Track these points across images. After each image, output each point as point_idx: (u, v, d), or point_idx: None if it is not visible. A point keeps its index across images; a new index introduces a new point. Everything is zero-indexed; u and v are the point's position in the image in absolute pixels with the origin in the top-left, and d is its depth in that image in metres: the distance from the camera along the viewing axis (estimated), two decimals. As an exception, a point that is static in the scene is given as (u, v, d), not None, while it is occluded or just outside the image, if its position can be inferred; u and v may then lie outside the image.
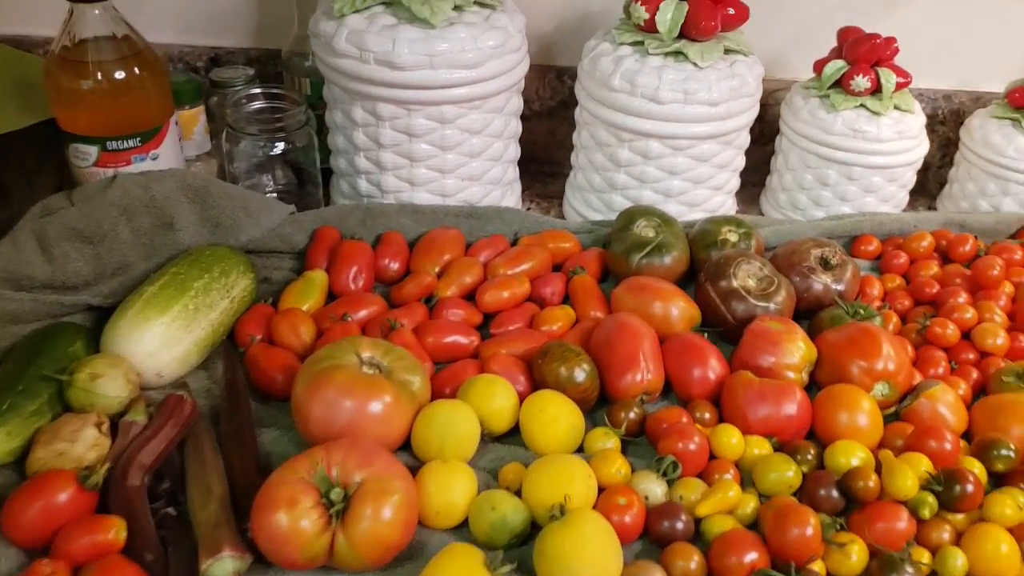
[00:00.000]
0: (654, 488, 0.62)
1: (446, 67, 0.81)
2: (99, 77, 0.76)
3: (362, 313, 0.78)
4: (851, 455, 0.63)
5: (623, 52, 0.88)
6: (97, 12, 0.75)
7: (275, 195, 0.95)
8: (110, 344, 0.67)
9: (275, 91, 0.92)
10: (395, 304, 0.81)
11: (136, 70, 0.78)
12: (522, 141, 0.98)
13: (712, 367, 0.72)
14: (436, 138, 0.86)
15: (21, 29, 1.03)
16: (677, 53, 0.86)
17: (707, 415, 0.69)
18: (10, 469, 0.60)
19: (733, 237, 0.86)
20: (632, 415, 0.68)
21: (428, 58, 0.81)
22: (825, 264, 0.84)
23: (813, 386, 0.74)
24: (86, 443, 0.59)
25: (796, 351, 0.72)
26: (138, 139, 0.80)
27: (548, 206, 1.05)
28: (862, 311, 0.78)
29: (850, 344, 0.72)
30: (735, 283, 0.79)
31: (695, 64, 0.85)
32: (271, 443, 0.65)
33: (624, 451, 0.66)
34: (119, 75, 0.77)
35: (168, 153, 0.83)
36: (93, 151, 0.79)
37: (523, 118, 0.98)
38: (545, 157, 1.12)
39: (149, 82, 0.79)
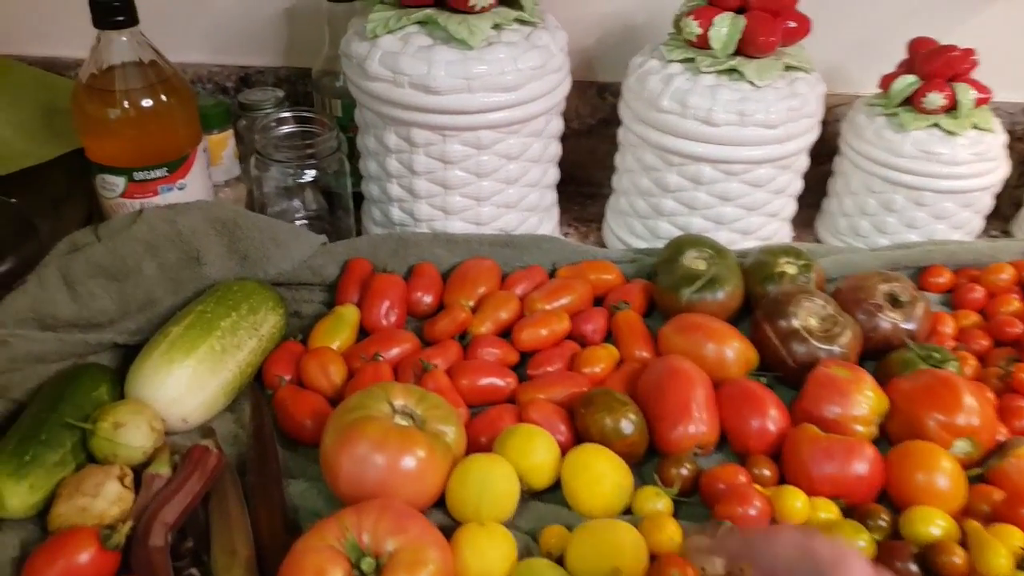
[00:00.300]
0: (712, 559, 0.56)
1: (484, 90, 0.77)
2: (126, 105, 0.73)
3: (394, 351, 0.74)
4: (931, 523, 0.57)
5: (673, 70, 0.82)
6: (124, 39, 0.73)
7: (306, 222, 0.92)
8: (134, 389, 0.64)
9: (305, 114, 0.88)
10: (428, 341, 0.77)
11: (163, 97, 0.75)
12: (561, 161, 0.93)
13: (772, 418, 0.67)
14: (472, 164, 0.82)
15: (52, 51, 1.02)
16: (732, 71, 0.80)
17: (767, 472, 0.64)
18: (33, 523, 0.58)
19: (792, 270, 0.81)
20: (684, 471, 0.63)
21: (466, 81, 0.76)
22: (894, 301, 0.77)
23: (882, 439, 0.68)
24: (108, 498, 0.56)
25: (865, 401, 0.66)
26: (165, 169, 0.77)
27: (587, 230, 1.00)
28: (936, 355, 0.72)
29: (926, 395, 0.66)
30: (796, 323, 0.73)
31: (752, 83, 0.79)
32: (299, 496, 0.61)
33: (675, 512, 0.61)
34: (146, 103, 0.74)
35: (196, 182, 0.80)
36: (120, 182, 0.76)
37: (562, 138, 0.93)
38: (584, 177, 1.07)
39: (177, 109, 0.76)
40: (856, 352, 0.73)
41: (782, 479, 0.64)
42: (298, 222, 0.92)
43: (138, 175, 0.76)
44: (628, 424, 0.63)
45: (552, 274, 0.84)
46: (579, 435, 0.65)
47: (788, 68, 0.82)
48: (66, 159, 0.82)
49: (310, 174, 0.86)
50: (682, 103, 0.80)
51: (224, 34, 1.03)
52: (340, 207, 0.92)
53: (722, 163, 0.82)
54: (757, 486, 0.62)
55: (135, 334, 0.71)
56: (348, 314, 0.77)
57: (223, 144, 0.92)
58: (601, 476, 0.61)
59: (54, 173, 0.84)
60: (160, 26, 1.00)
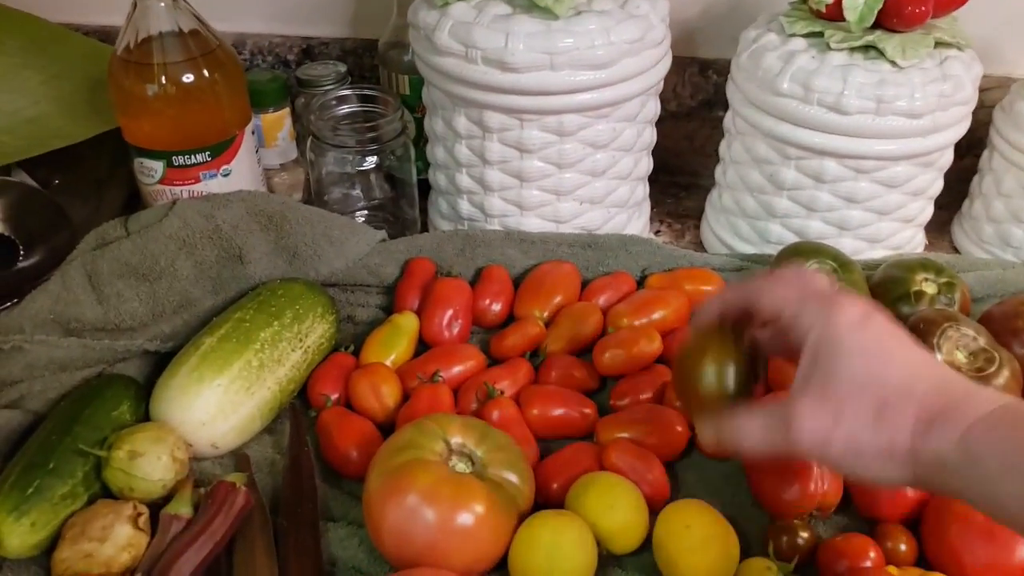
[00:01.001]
0: None
1: (570, 67, 0.66)
2: (163, 81, 0.65)
3: (456, 369, 0.64)
4: None
5: (795, 46, 0.69)
6: (163, 4, 0.64)
7: (367, 212, 0.83)
8: (158, 410, 0.57)
9: (368, 92, 0.79)
10: (494, 357, 0.67)
11: (205, 72, 0.66)
12: (654, 148, 0.82)
13: (910, 476, 0.54)
14: (553, 154, 0.71)
15: (109, 19, 0.95)
16: (869, 48, 0.67)
17: (903, 547, 0.52)
18: (38, 563, 0.50)
19: (931, 289, 0.67)
20: (800, 541, 0.51)
21: (548, 57, 0.65)
22: (1061, 331, 0.63)
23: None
24: (117, 543, 0.48)
25: (1032, 464, 0.53)
26: (208, 153, 0.69)
27: (682, 228, 0.88)
28: (1121, 404, 0.57)
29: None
30: (940, 357, 0.60)
31: (893, 63, 0.66)
32: (338, 545, 0.53)
33: (791, 593, 0.50)
34: (187, 78, 0.66)
35: (243, 168, 0.72)
36: (159, 167, 0.69)
37: (656, 121, 0.81)
38: (679, 167, 0.95)
39: (221, 86, 0.67)
40: (1016, 396, 0.60)
41: (921, 555, 0.52)
42: (358, 212, 0.83)
43: (178, 159, 0.68)
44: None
45: (641, 282, 0.73)
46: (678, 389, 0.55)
47: (938, 44, 0.68)
48: (113, 137, 0.75)
49: (371, 160, 0.77)
50: (805, 86, 0.67)
51: (284, 0, 0.94)
52: (404, 197, 0.82)
53: (851, 158, 0.68)
54: (892, 568, 0.50)
55: (169, 339, 0.64)
56: (406, 323, 0.67)
57: (279, 124, 0.84)
58: (706, 540, 0.50)
59: (97, 152, 0.77)
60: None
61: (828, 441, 0.41)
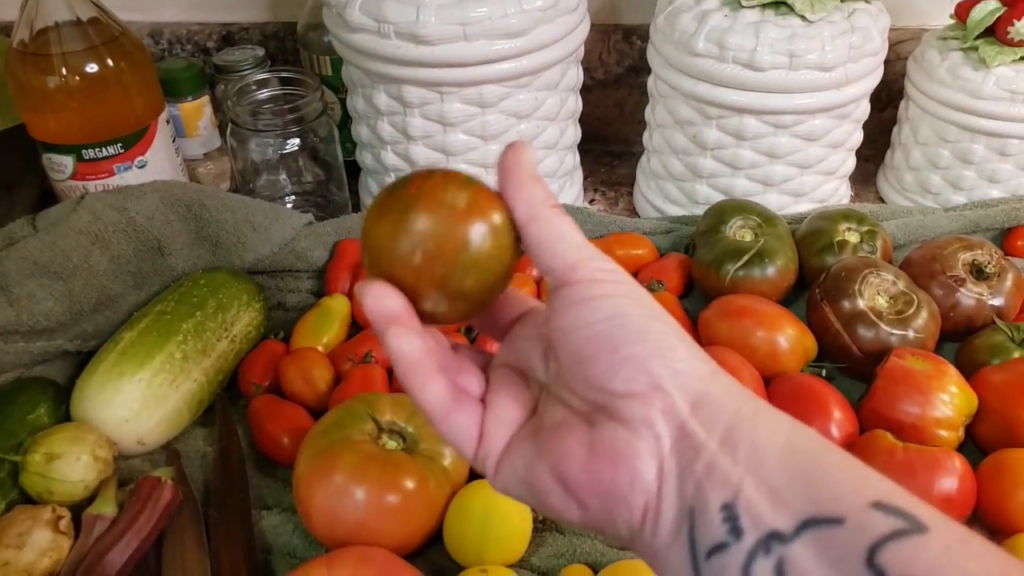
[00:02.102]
0: None
1: (484, 37, 0.65)
2: (64, 72, 0.63)
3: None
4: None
5: (708, 5, 0.69)
6: (58, -8, 0.62)
7: (296, 197, 0.82)
8: (79, 410, 0.55)
9: (287, 75, 0.77)
10: (430, 335, 0.66)
11: (109, 61, 0.64)
12: (583, 117, 0.81)
13: (836, 420, 0.55)
14: (476, 126, 0.70)
15: (11, 13, 0.91)
16: (779, 4, 0.67)
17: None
18: (-43, 574, 0.49)
19: (853, 237, 0.68)
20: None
21: (461, 27, 0.64)
22: (977, 271, 0.65)
23: (971, 445, 0.57)
24: (37, 548, 0.47)
25: (950, 400, 0.55)
26: (119, 145, 0.67)
27: (615, 196, 0.89)
28: (1034, 337, 0.60)
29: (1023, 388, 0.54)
30: (861, 303, 0.61)
31: (803, 17, 0.66)
32: (272, 532, 0.52)
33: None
34: (89, 68, 0.63)
35: (159, 158, 0.70)
36: (68, 162, 0.67)
37: (584, 90, 0.81)
38: (611, 135, 0.95)
39: (127, 74, 0.65)
40: (934, 336, 0.61)
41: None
42: (287, 198, 0.82)
43: (88, 153, 0.66)
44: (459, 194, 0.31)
45: (572, 250, 0.73)
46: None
47: (846, -3, 0.69)
48: (22, 134, 0.72)
49: (293, 143, 0.75)
50: (720, 44, 0.67)
51: (202, -14, 0.92)
52: (332, 180, 0.81)
53: (769, 114, 0.69)
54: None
55: (91, 338, 0.62)
56: (336, 306, 0.67)
57: (198, 112, 0.82)
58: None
59: (7, 150, 0.74)
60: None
61: None
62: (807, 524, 0.24)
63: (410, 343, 0.28)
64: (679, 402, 0.26)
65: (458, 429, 0.30)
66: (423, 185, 0.28)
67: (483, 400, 0.31)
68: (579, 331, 0.28)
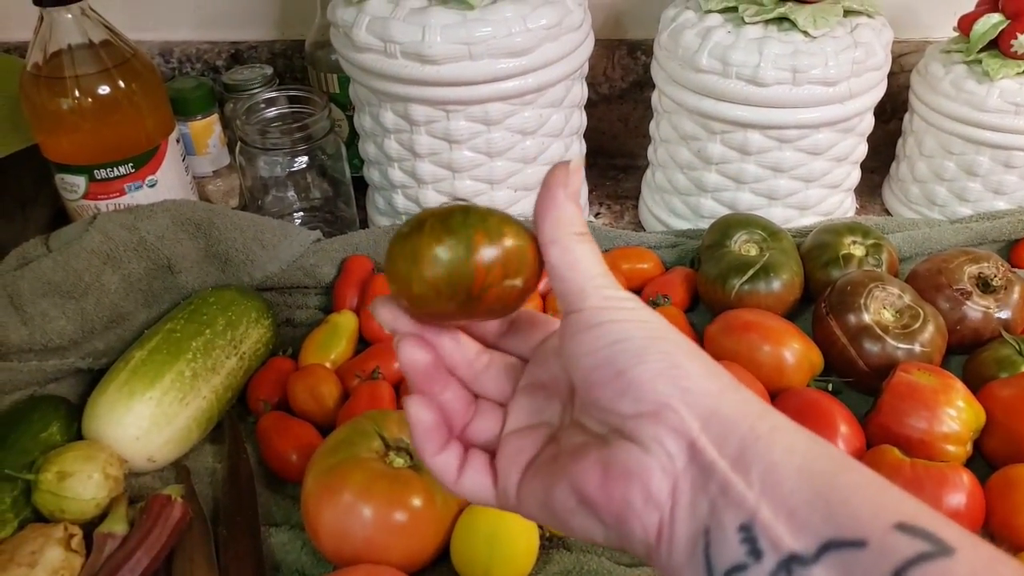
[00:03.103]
0: None
1: (489, 56, 0.66)
2: (77, 94, 0.64)
3: (398, 365, 0.64)
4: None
5: (711, 22, 0.70)
6: (70, 16, 0.63)
7: (304, 213, 0.82)
8: (90, 428, 0.56)
9: (294, 93, 0.78)
10: (437, 351, 0.67)
11: (121, 83, 0.65)
12: (589, 131, 0.82)
13: (843, 436, 0.55)
14: (481, 143, 0.71)
15: (27, 34, 0.93)
16: (782, 20, 0.68)
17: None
18: (-30, 592, 0.50)
19: (858, 251, 0.69)
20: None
21: (466, 47, 0.65)
22: (984, 284, 0.65)
23: (979, 459, 0.57)
24: (48, 567, 0.47)
25: (957, 415, 0.54)
26: (130, 164, 0.68)
27: (621, 210, 0.89)
28: (1042, 351, 0.59)
29: (1033, 404, 0.54)
30: (867, 317, 0.61)
31: (805, 33, 0.67)
32: (280, 550, 0.52)
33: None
34: (101, 90, 0.64)
35: (169, 178, 0.71)
36: (81, 182, 0.67)
37: (589, 104, 0.81)
38: (616, 149, 0.96)
39: (139, 95, 0.66)
40: (941, 350, 0.61)
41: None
42: (296, 215, 0.83)
43: (100, 173, 0.67)
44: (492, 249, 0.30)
45: (578, 266, 0.73)
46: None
47: (848, 13, 0.69)
48: (36, 155, 0.73)
49: (302, 161, 0.76)
50: (723, 60, 0.68)
51: (211, 6, 0.93)
52: (340, 196, 0.82)
53: (773, 129, 0.69)
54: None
55: (103, 356, 0.63)
56: (344, 322, 0.67)
57: (208, 131, 0.83)
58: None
59: (21, 169, 0.75)
60: (141, 2, 0.92)
61: None
62: (828, 547, 0.23)
63: (424, 414, 0.31)
64: (688, 419, 0.26)
65: (470, 487, 0.31)
66: (443, 219, 0.29)
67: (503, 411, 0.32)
68: (586, 357, 0.28)
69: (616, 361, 0.27)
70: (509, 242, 0.29)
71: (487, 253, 0.29)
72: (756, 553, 0.24)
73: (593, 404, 0.29)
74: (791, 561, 0.24)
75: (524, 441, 0.31)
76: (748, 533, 0.25)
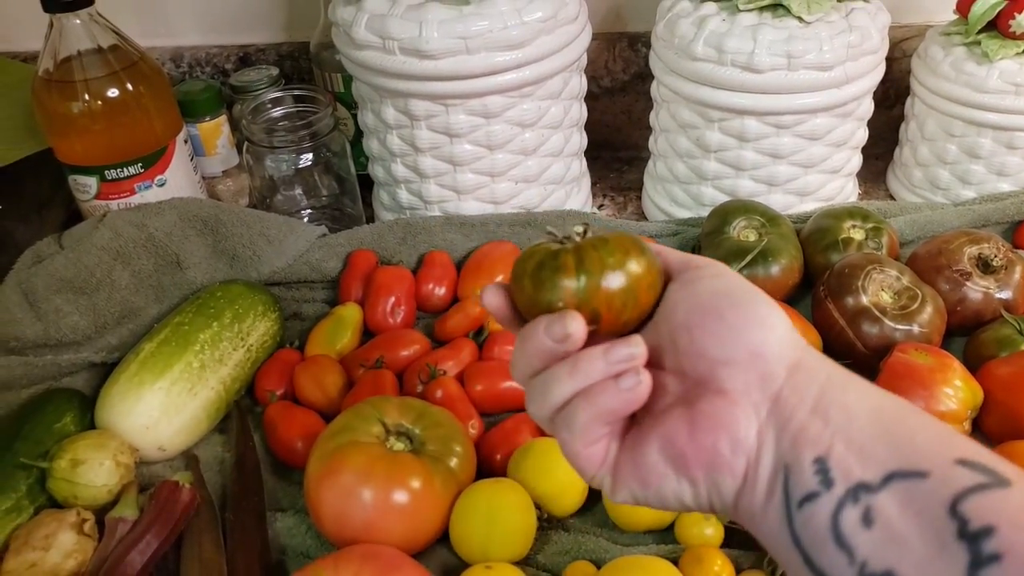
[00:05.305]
0: None
1: (486, 50, 0.67)
2: (87, 98, 0.66)
3: (402, 354, 0.65)
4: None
5: (706, 11, 0.70)
6: (79, 22, 0.65)
7: (312, 211, 0.84)
8: (103, 418, 0.58)
9: (299, 92, 0.80)
10: (439, 340, 0.68)
11: (129, 85, 0.67)
12: (592, 124, 0.83)
13: (839, 416, 0.56)
14: (481, 136, 0.72)
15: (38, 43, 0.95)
16: (775, 7, 0.68)
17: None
18: (-11, 576, 0.52)
19: (858, 235, 0.69)
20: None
21: (463, 41, 0.66)
22: (984, 265, 0.65)
23: (978, 437, 0.57)
24: (62, 550, 0.49)
25: (954, 394, 0.55)
26: (140, 164, 0.70)
27: (625, 201, 0.90)
28: (1041, 330, 0.59)
29: (1030, 381, 0.54)
30: (865, 299, 0.61)
31: (800, 19, 0.67)
32: (286, 533, 0.54)
33: (728, 542, 0.51)
34: (110, 93, 0.66)
35: (178, 177, 0.73)
36: (92, 182, 0.69)
37: (592, 97, 0.82)
38: (621, 142, 0.96)
39: (146, 97, 0.68)
40: (939, 331, 0.61)
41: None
42: (304, 212, 0.84)
43: (111, 173, 0.69)
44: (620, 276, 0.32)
45: (579, 256, 0.74)
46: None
47: (844, -4, 0.70)
48: (52, 158, 0.75)
49: (307, 158, 0.78)
50: (719, 48, 0.68)
51: (219, 11, 0.95)
52: (346, 193, 0.83)
53: (769, 115, 0.70)
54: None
55: (116, 350, 0.64)
56: (349, 315, 0.68)
57: (216, 132, 0.85)
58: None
59: (37, 173, 0.78)
60: (150, 8, 0.94)
61: None
62: (893, 476, 0.25)
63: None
64: (776, 368, 0.29)
65: (586, 459, 0.31)
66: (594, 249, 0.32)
67: None
68: (691, 301, 0.31)
69: (719, 306, 0.30)
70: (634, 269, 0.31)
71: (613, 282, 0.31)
72: (828, 482, 0.26)
73: (687, 350, 0.30)
74: (859, 488, 0.26)
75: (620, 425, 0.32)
76: (822, 465, 0.27)
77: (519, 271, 0.32)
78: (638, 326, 0.33)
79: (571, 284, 0.30)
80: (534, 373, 0.32)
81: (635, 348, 0.30)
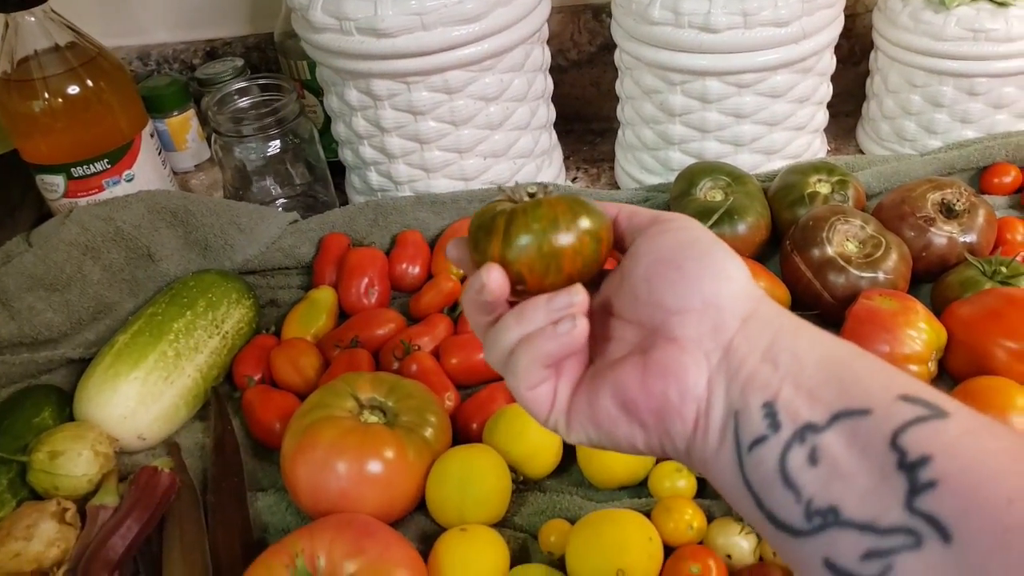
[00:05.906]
0: (739, 543, 0.47)
1: (443, 25, 0.67)
2: (47, 96, 0.66)
3: (378, 333, 0.66)
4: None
5: (662, -26, 0.70)
6: (33, 20, 0.65)
7: (286, 200, 0.84)
8: (80, 410, 0.58)
9: (264, 81, 0.80)
10: (414, 318, 0.69)
11: (89, 81, 0.67)
12: (562, 97, 0.83)
13: (807, 366, 0.56)
14: (445, 112, 0.72)
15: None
16: (729, -35, 0.68)
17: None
18: (-24, 570, 0.52)
19: (824, 189, 0.69)
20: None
21: (419, 17, 0.66)
22: (947, 210, 0.65)
23: (944, 377, 0.57)
24: (44, 539, 0.50)
25: (918, 335, 0.55)
26: (106, 160, 0.70)
27: (598, 172, 0.90)
28: (1004, 268, 0.60)
29: (992, 319, 0.55)
30: (830, 250, 0.62)
31: (753, -24, 0.67)
32: (267, 512, 0.54)
33: (701, 492, 0.52)
34: (71, 90, 0.67)
35: (146, 171, 0.73)
36: (59, 181, 0.70)
37: (560, 70, 0.82)
38: (591, 113, 0.96)
39: (107, 92, 0.68)
40: (905, 277, 0.62)
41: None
42: (278, 201, 0.85)
43: (77, 171, 0.69)
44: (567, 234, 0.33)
45: (551, 226, 0.74)
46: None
47: (798, -49, 0.70)
48: (19, 161, 0.76)
49: (274, 145, 0.78)
50: (675, 11, 0.68)
51: (185, 5, 0.95)
52: (318, 180, 0.84)
53: (729, 74, 0.70)
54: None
55: (93, 345, 0.65)
56: (323, 298, 0.69)
57: (185, 126, 0.85)
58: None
59: (8, 175, 0.78)
60: (115, 7, 0.94)
61: None
62: (838, 416, 0.26)
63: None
64: (729, 318, 0.29)
65: (532, 401, 0.32)
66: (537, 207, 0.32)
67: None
68: (653, 254, 0.31)
69: (678, 258, 0.31)
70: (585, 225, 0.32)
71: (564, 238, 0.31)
72: (776, 425, 0.27)
73: (646, 300, 0.31)
74: (805, 429, 0.27)
75: (572, 360, 0.33)
76: (770, 409, 0.27)
77: (470, 228, 0.34)
78: (597, 279, 0.33)
79: (495, 247, 0.31)
80: (484, 325, 0.33)
81: (575, 297, 0.31)
